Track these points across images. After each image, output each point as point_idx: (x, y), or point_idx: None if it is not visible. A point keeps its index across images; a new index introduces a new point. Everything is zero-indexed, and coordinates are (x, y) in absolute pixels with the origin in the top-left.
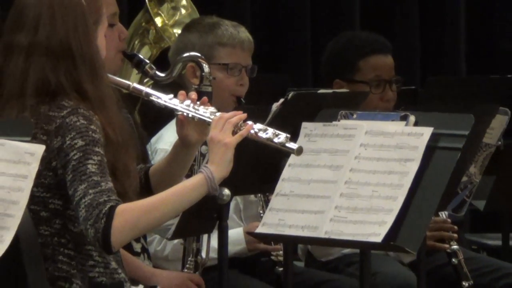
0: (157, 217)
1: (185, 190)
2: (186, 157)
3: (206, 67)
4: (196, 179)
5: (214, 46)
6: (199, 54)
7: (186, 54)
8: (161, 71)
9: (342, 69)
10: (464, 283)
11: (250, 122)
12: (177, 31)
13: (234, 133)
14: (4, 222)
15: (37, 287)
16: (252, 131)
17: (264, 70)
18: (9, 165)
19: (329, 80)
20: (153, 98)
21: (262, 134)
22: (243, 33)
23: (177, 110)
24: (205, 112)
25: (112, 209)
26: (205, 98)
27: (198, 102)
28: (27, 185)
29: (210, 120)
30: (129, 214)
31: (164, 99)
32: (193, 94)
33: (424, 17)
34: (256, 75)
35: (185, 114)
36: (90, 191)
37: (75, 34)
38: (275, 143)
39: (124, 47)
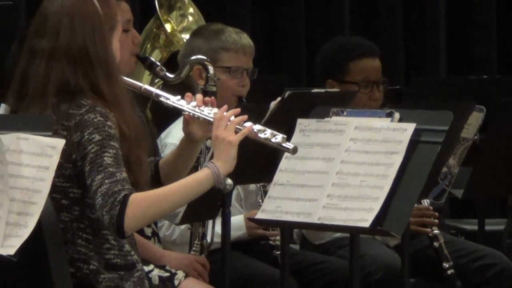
0: (166, 206)
1: (193, 183)
2: (191, 152)
3: (211, 69)
4: (203, 174)
5: (219, 50)
6: (205, 57)
7: (193, 57)
8: (171, 73)
9: (334, 71)
10: (444, 264)
11: (250, 123)
12: (185, 36)
13: (236, 132)
14: (28, 209)
15: (58, 268)
16: (253, 132)
17: (263, 71)
18: (33, 157)
19: (322, 81)
20: (162, 99)
21: (261, 134)
22: (245, 39)
23: (183, 110)
24: (209, 113)
25: (126, 198)
26: (212, 99)
27: (203, 104)
28: (49, 175)
29: (213, 119)
30: (141, 203)
31: (172, 100)
32: (200, 96)
33: (407, 24)
34: (256, 76)
35: (191, 114)
36: (106, 181)
37: (92, 40)
38: (273, 142)
39: (137, 50)
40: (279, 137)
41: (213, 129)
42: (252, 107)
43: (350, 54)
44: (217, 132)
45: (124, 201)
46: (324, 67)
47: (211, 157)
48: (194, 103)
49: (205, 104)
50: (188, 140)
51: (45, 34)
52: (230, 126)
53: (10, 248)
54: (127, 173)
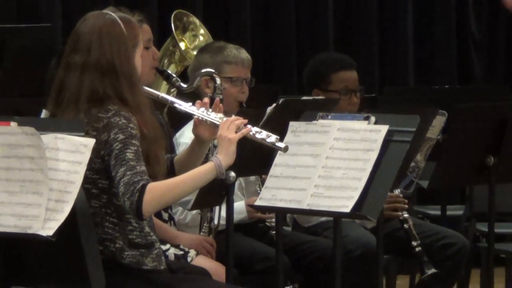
0: (177, 193)
1: (200, 174)
2: (200, 150)
3: (218, 80)
4: (208, 166)
5: (222, 64)
6: (213, 70)
7: (204, 70)
8: (184, 83)
9: (319, 81)
10: (413, 243)
11: (249, 126)
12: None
13: (236, 132)
14: (64, 197)
15: (89, 246)
16: (250, 133)
17: (260, 81)
18: (68, 154)
19: (310, 90)
20: (176, 105)
21: (258, 135)
22: (244, 54)
23: (193, 114)
24: (215, 117)
25: (143, 187)
26: (217, 101)
27: (210, 109)
28: (82, 169)
29: (219, 123)
30: (157, 191)
31: (184, 106)
32: (206, 99)
33: (381, 40)
34: (254, 85)
35: (200, 118)
36: (128, 172)
37: (118, 56)
38: (267, 142)
39: (156, 64)
40: (272, 138)
41: (219, 129)
42: (251, 111)
43: (332, 67)
44: (221, 132)
45: (142, 190)
46: (311, 79)
47: (217, 153)
48: (202, 109)
49: (216, 108)
50: (197, 140)
51: (79, 51)
52: (232, 127)
53: (49, 230)
54: (146, 167)
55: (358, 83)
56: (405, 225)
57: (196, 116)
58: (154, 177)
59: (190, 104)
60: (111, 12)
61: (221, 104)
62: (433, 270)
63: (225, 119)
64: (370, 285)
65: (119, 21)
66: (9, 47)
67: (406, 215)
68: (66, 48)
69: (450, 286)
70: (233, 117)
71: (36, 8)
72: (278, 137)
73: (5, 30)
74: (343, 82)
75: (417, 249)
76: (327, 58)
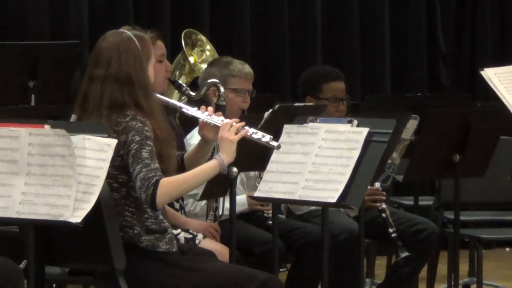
0: (186, 187)
1: (205, 170)
2: (205, 149)
3: (222, 89)
4: (212, 163)
5: (228, 76)
6: (217, 81)
7: (209, 81)
8: (193, 92)
9: (311, 90)
10: (389, 229)
11: (246, 127)
12: (204, 66)
13: (236, 134)
14: (90, 189)
15: (112, 232)
16: (248, 134)
17: (258, 90)
18: (94, 152)
19: (303, 97)
20: (184, 110)
21: (254, 136)
22: (247, 68)
23: (199, 118)
24: (217, 120)
25: (157, 182)
26: (219, 113)
27: (213, 114)
28: (105, 165)
29: (220, 125)
30: (168, 185)
31: (191, 110)
32: (211, 108)
33: (363, 56)
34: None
35: (204, 120)
36: (143, 169)
37: (134, 68)
38: (263, 141)
39: (169, 76)
40: (267, 137)
41: (219, 131)
42: (251, 116)
43: (323, 78)
44: (222, 134)
45: (156, 184)
46: (304, 87)
47: (218, 152)
48: (206, 113)
49: (216, 115)
50: (203, 140)
51: (100, 64)
52: (232, 129)
53: (77, 217)
54: (159, 164)
55: (345, 92)
56: (383, 214)
57: (201, 119)
58: (166, 173)
59: (196, 108)
60: (127, 31)
61: (220, 112)
62: (406, 253)
63: (225, 121)
64: (353, 265)
65: (134, 38)
66: (43, 60)
67: (384, 206)
68: (89, 62)
69: (421, 266)
70: (232, 119)
71: (66, 28)
72: (272, 136)
73: (40, 46)
74: (332, 91)
75: (393, 235)
76: (319, 70)
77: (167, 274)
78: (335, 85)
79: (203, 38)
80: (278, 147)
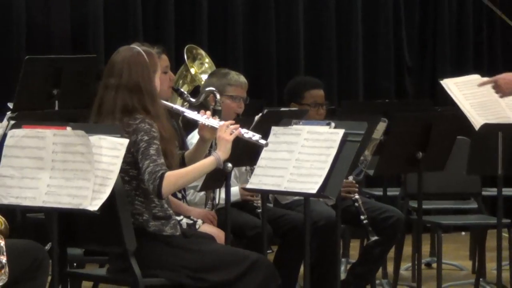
0: (187, 179)
1: (204, 165)
2: (204, 147)
3: (218, 96)
4: (210, 159)
5: (226, 85)
6: (214, 89)
7: (207, 89)
8: (193, 98)
9: (295, 97)
10: (361, 217)
11: (240, 129)
12: (203, 76)
13: (230, 134)
14: (106, 182)
15: (124, 219)
16: (241, 134)
17: (251, 97)
18: (108, 150)
19: (288, 103)
20: (185, 114)
21: (245, 135)
22: (242, 78)
23: (199, 120)
24: (215, 122)
25: (163, 175)
26: (215, 116)
27: (211, 117)
28: (118, 161)
29: (217, 126)
30: (172, 177)
31: (191, 114)
32: (209, 112)
33: (340, 67)
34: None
35: (203, 123)
36: (151, 164)
37: (142, 78)
38: (253, 140)
39: (172, 84)
40: (257, 136)
41: (217, 132)
42: (244, 119)
43: (305, 86)
44: (219, 134)
45: (161, 177)
46: (289, 95)
47: (215, 149)
48: (205, 116)
49: (213, 118)
50: (201, 139)
51: (113, 75)
52: (228, 130)
53: (95, 206)
54: (164, 160)
55: (324, 99)
56: (356, 204)
57: (200, 122)
58: (170, 167)
59: (196, 112)
60: (137, 46)
61: (216, 116)
62: (375, 237)
63: (221, 123)
64: (330, 247)
65: (143, 53)
66: (65, 71)
67: (357, 196)
68: (104, 73)
69: (390, 248)
70: (228, 122)
71: (85, 43)
72: (260, 135)
73: (62, 59)
74: (313, 98)
75: (364, 221)
76: (302, 80)
77: (172, 255)
78: (315, 93)
79: (203, 52)
80: (266, 144)
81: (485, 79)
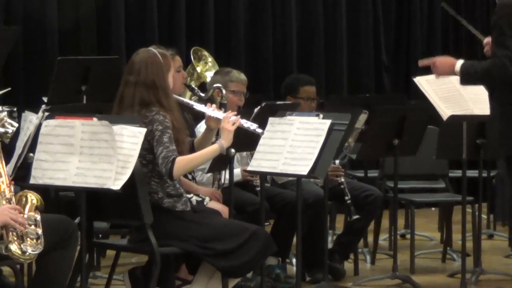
0: (195, 164)
1: (210, 151)
2: (210, 135)
3: (224, 91)
4: (215, 146)
5: (228, 82)
6: (221, 85)
7: (214, 85)
8: (202, 93)
9: (292, 92)
10: (346, 197)
11: (240, 120)
12: (207, 73)
13: (233, 124)
14: (127, 165)
15: (142, 197)
16: (241, 124)
17: (251, 92)
18: (129, 138)
19: (285, 96)
20: (194, 106)
21: (245, 125)
22: (242, 76)
23: (206, 112)
24: (219, 114)
25: (174, 159)
26: (220, 108)
27: (216, 109)
28: (137, 147)
29: (221, 118)
30: (182, 162)
31: (199, 107)
32: (214, 105)
33: (327, 66)
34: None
35: (209, 114)
36: (164, 150)
37: (157, 76)
38: (251, 129)
39: (185, 81)
40: (255, 126)
41: (221, 122)
42: (245, 111)
43: (300, 83)
44: (223, 124)
45: (173, 161)
46: (286, 90)
47: (219, 138)
48: (211, 109)
49: (219, 110)
50: (208, 128)
51: (133, 73)
52: (230, 121)
53: (117, 185)
54: (176, 146)
55: (316, 94)
56: (341, 186)
57: (207, 113)
58: (181, 153)
59: (204, 105)
60: (153, 49)
61: (222, 108)
62: (357, 216)
63: (225, 114)
64: (319, 221)
65: (158, 54)
66: (92, 70)
67: (342, 179)
68: (124, 71)
69: (370, 221)
70: (231, 114)
71: (109, 46)
72: (258, 125)
73: (90, 60)
74: (306, 93)
75: (348, 201)
76: (297, 77)
77: (183, 227)
78: (309, 88)
79: (206, 53)
80: (262, 133)
81: (426, 60)
